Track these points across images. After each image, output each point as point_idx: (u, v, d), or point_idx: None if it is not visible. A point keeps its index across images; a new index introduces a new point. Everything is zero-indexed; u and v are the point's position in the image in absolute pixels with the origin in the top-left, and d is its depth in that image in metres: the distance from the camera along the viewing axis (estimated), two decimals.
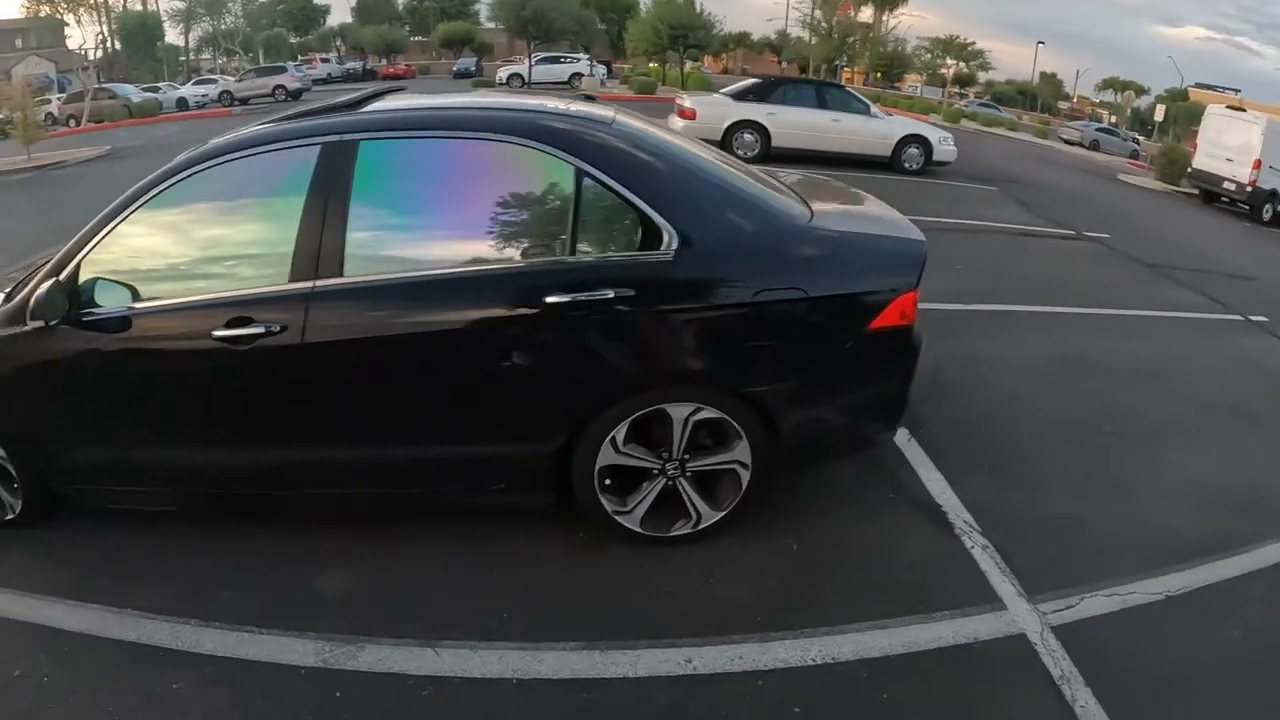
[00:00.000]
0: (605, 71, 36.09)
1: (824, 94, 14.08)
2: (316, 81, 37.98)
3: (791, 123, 13.13)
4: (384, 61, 50.17)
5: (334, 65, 46.84)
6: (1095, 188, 17.39)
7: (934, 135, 14.17)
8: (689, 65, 39.40)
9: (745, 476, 2.90)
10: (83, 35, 52.20)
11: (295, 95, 31.48)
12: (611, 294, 2.62)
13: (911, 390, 3.10)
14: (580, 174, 2.71)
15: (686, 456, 2.85)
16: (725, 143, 12.55)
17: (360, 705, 2.31)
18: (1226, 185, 15.54)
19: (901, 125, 14.49)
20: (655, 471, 2.87)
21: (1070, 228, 10.63)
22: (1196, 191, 16.92)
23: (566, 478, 2.85)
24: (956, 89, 55.51)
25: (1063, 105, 64.52)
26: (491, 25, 48.90)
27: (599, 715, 2.30)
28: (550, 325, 2.67)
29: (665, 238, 2.69)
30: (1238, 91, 40.58)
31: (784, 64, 54.86)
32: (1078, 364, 5.23)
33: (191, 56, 55.02)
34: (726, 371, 2.78)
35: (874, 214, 3.46)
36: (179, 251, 2.89)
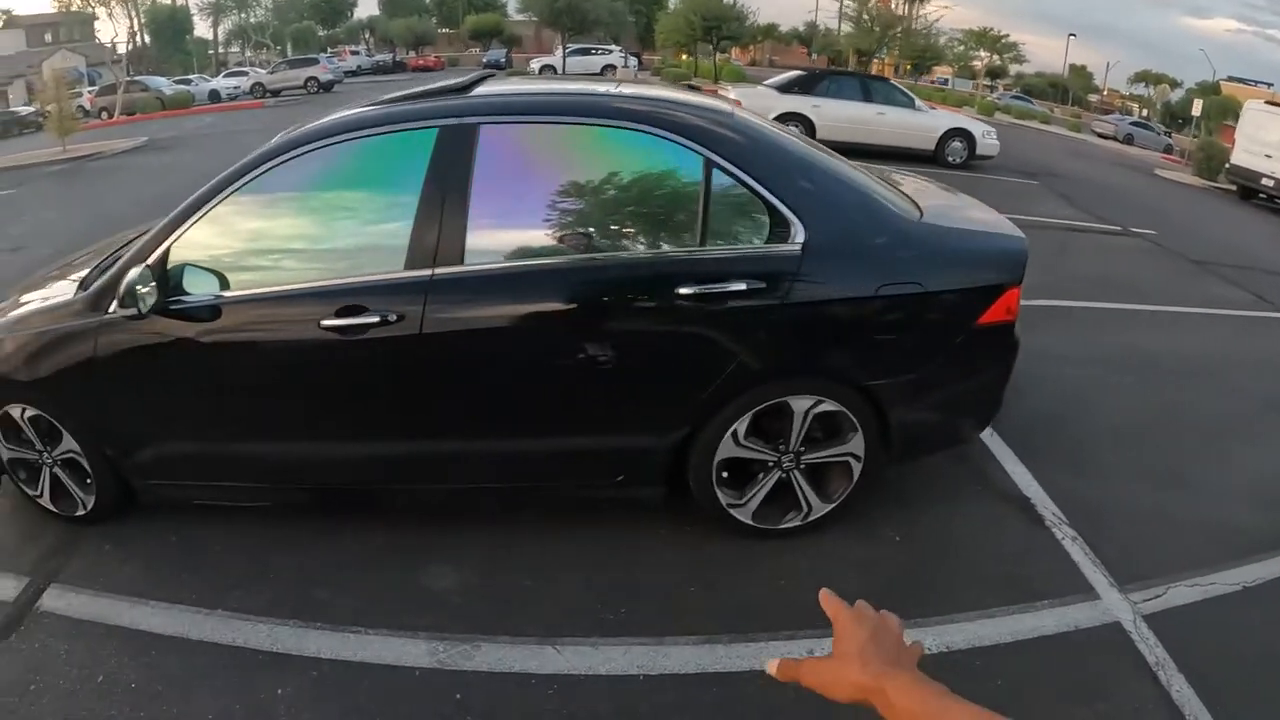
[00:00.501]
0: (637, 63, 35.96)
1: (868, 87, 14.02)
2: (347, 73, 38.17)
3: (836, 115, 13.07)
4: (412, 54, 50.38)
5: (363, 58, 46.90)
6: (1133, 182, 17.17)
7: (978, 129, 14.07)
8: (719, 57, 39.19)
9: (857, 469, 2.90)
10: (114, 28, 52.85)
11: (327, 87, 31.75)
12: (744, 286, 2.62)
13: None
14: (709, 165, 2.68)
15: (802, 449, 2.84)
16: None
17: (484, 707, 2.24)
18: (1265, 181, 15.25)
19: (946, 119, 14.44)
20: (771, 464, 2.85)
21: (1115, 223, 10.54)
22: (1234, 187, 16.67)
23: (680, 471, 2.85)
24: (987, 81, 54.78)
25: (1092, 98, 63.31)
26: (520, 17, 49.06)
27: (737, 709, 2.29)
28: (680, 316, 2.64)
29: (792, 230, 2.67)
30: (1270, 85, 39.81)
31: (813, 55, 54.43)
32: (1137, 359, 5.24)
33: (220, 50, 55.49)
34: (848, 364, 2.78)
35: (976, 213, 3.45)
36: (277, 237, 2.82)
